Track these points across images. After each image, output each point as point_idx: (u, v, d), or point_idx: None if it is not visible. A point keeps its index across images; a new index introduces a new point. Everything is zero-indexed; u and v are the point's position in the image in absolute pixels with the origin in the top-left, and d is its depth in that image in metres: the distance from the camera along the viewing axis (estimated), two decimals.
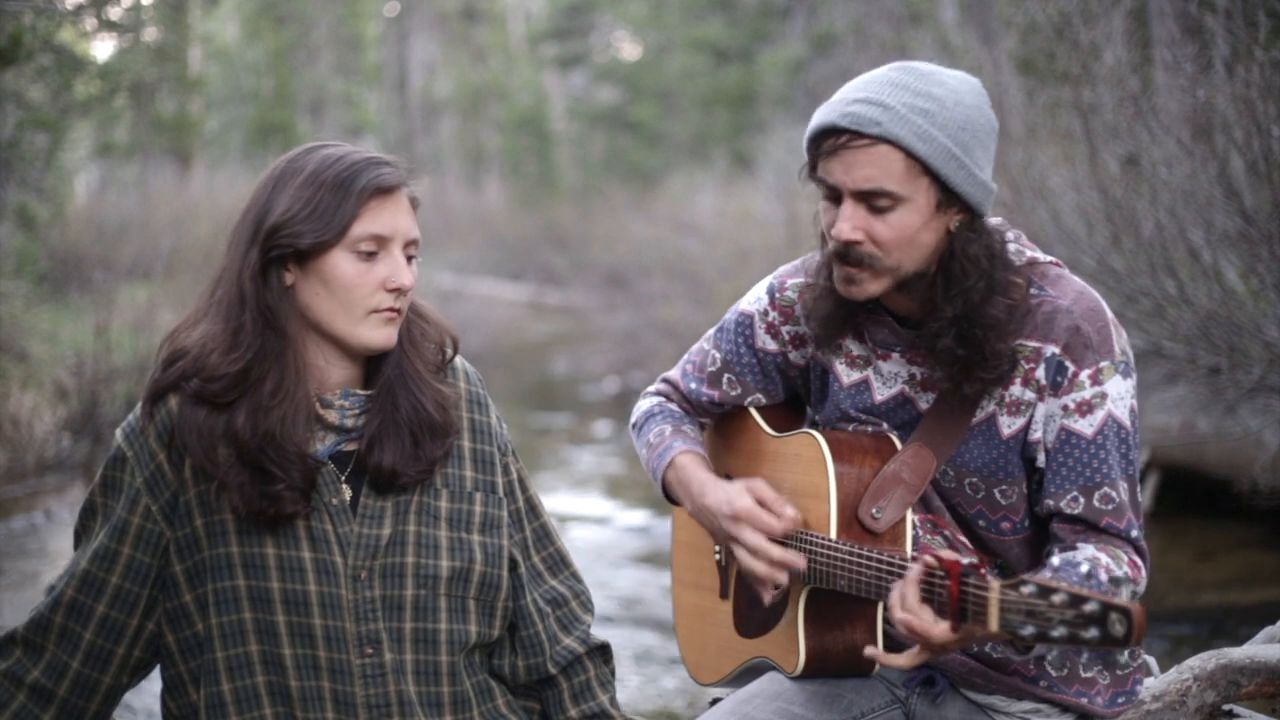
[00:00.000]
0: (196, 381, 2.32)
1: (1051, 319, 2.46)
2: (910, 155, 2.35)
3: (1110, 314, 2.50)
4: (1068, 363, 2.45)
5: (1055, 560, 2.40)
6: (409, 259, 2.37)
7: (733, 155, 24.39)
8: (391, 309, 2.34)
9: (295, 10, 34.60)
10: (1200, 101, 6.84)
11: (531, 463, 10.78)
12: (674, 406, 2.79)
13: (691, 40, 29.99)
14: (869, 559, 2.37)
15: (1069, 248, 7.39)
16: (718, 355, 2.74)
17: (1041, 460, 2.49)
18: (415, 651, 2.38)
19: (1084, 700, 2.56)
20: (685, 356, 2.82)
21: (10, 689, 2.38)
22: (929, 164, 2.35)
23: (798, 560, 2.46)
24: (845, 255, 2.41)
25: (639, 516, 9.56)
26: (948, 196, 2.40)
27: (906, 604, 2.25)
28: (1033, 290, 2.48)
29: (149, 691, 4.96)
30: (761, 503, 2.51)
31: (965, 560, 2.18)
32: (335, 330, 2.34)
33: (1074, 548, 2.44)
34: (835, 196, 2.42)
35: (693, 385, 2.77)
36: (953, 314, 2.42)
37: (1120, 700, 2.59)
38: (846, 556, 2.40)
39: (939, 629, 2.21)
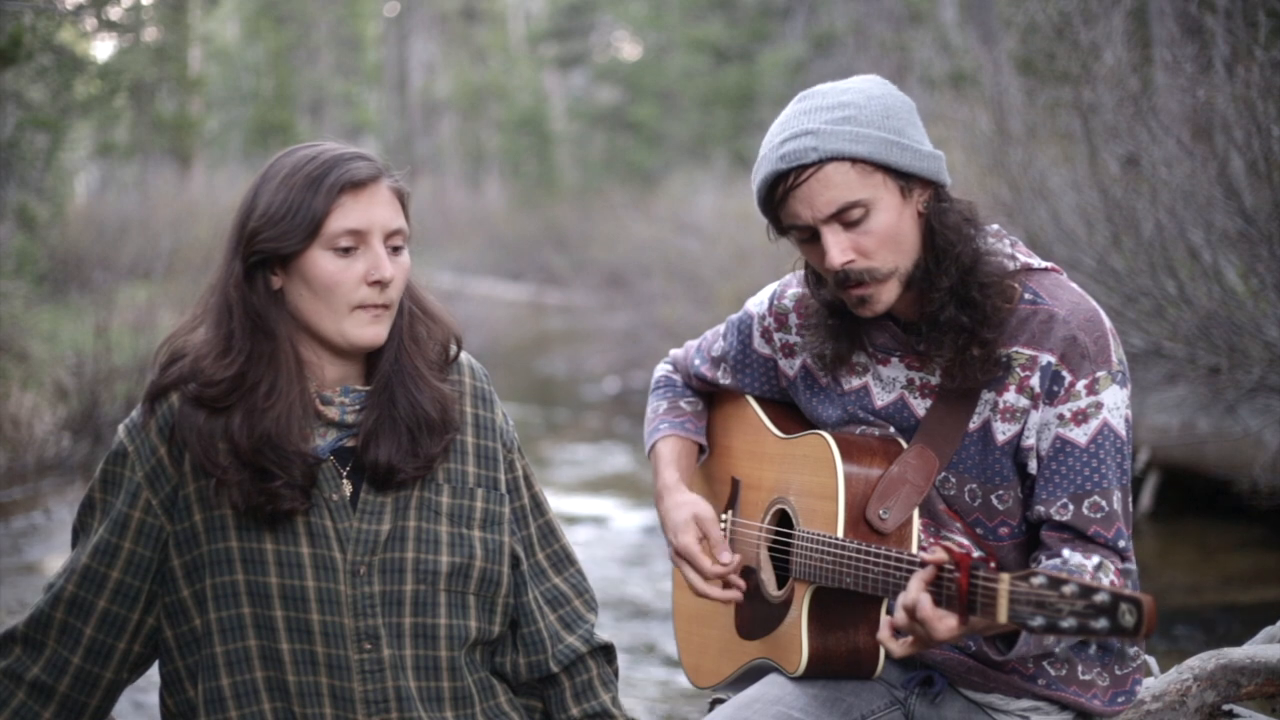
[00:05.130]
0: (194, 385, 2.33)
1: (1048, 327, 2.47)
2: (856, 161, 2.41)
3: (1108, 323, 2.51)
4: (1064, 372, 2.46)
5: (1042, 567, 2.40)
6: (396, 249, 2.36)
7: (733, 155, 24.37)
8: (377, 305, 2.34)
9: (295, 10, 34.59)
10: (1200, 101, 6.84)
11: (530, 463, 10.76)
12: (676, 378, 2.94)
13: (691, 40, 29.96)
14: (876, 556, 2.40)
15: (1069, 248, 7.40)
16: (722, 344, 2.83)
17: (1033, 467, 2.50)
18: (415, 646, 2.38)
19: (1082, 699, 2.56)
20: (707, 332, 2.92)
21: (10, 687, 2.38)
22: (875, 160, 2.41)
23: (736, 598, 2.63)
24: (846, 279, 2.46)
25: (639, 517, 9.56)
26: (906, 181, 2.45)
27: (913, 596, 2.25)
28: (1027, 296, 2.50)
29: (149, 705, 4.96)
30: (705, 537, 2.63)
31: (976, 554, 2.19)
32: (323, 330, 2.35)
33: (1060, 556, 2.45)
34: (810, 235, 2.47)
35: (696, 360, 2.88)
36: (949, 283, 2.46)
37: (1120, 700, 2.60)
38: (855, 555, 2.43)
39: (946, 623, 2.22)
